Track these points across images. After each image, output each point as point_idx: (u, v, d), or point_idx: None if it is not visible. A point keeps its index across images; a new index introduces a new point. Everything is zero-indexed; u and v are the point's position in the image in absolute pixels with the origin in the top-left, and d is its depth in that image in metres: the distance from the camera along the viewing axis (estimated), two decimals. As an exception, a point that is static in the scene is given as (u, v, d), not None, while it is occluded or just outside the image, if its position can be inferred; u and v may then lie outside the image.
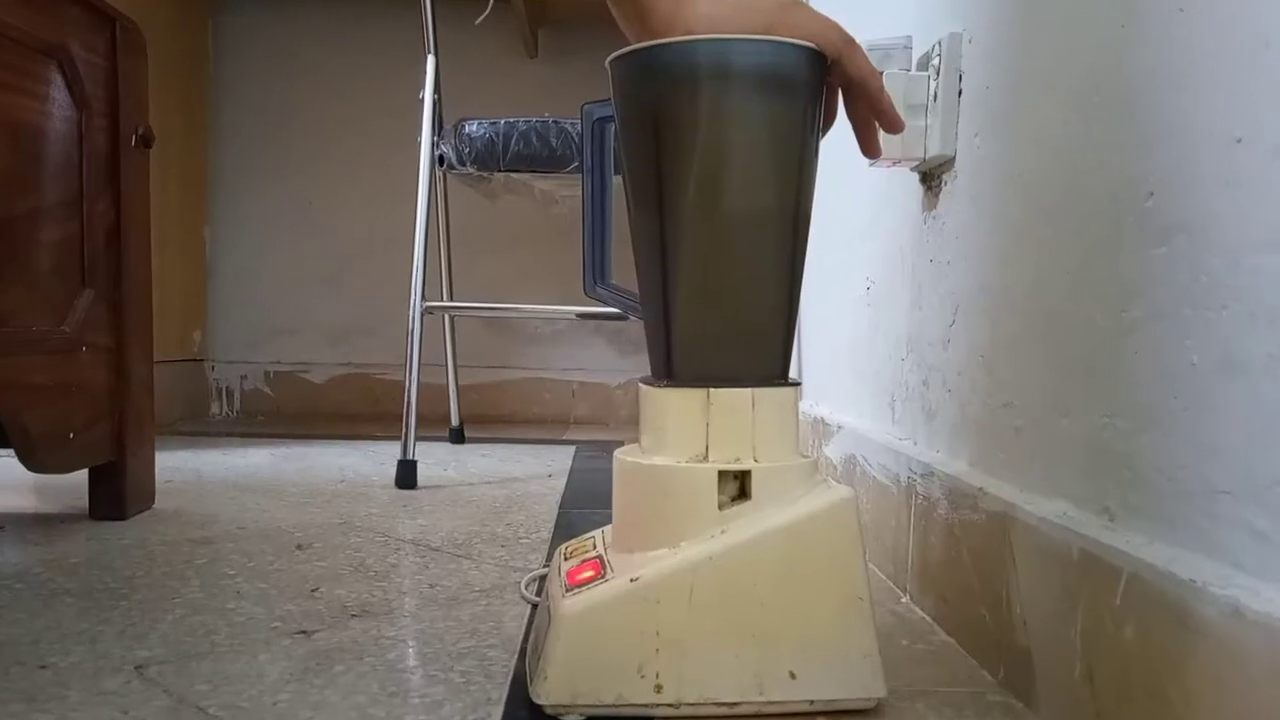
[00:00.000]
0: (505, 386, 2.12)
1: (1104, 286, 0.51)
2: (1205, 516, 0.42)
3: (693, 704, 0.52)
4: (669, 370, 0.56)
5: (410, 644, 0.63)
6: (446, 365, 1.73)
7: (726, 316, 0.55)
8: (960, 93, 0.72)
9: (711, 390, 0.54)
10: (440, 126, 1.44)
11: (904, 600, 0.76)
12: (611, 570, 0.53)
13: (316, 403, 2.11)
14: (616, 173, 0.60)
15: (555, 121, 1.43)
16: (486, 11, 1.45)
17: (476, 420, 2.00)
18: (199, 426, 1.88)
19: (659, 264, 0.55)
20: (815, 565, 0.53)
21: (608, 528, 0.61)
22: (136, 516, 1.00)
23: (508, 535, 0.96)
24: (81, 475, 0.98)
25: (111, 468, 0.98)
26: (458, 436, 1.72)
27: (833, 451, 1.03)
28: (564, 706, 0.51)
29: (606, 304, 0.63)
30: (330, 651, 0.61)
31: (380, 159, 2.05)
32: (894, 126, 0.57)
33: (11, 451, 0.87)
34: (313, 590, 0.75)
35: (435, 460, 1.47)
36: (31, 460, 0.87)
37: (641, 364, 2.12)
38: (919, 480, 0.75)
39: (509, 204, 1.96)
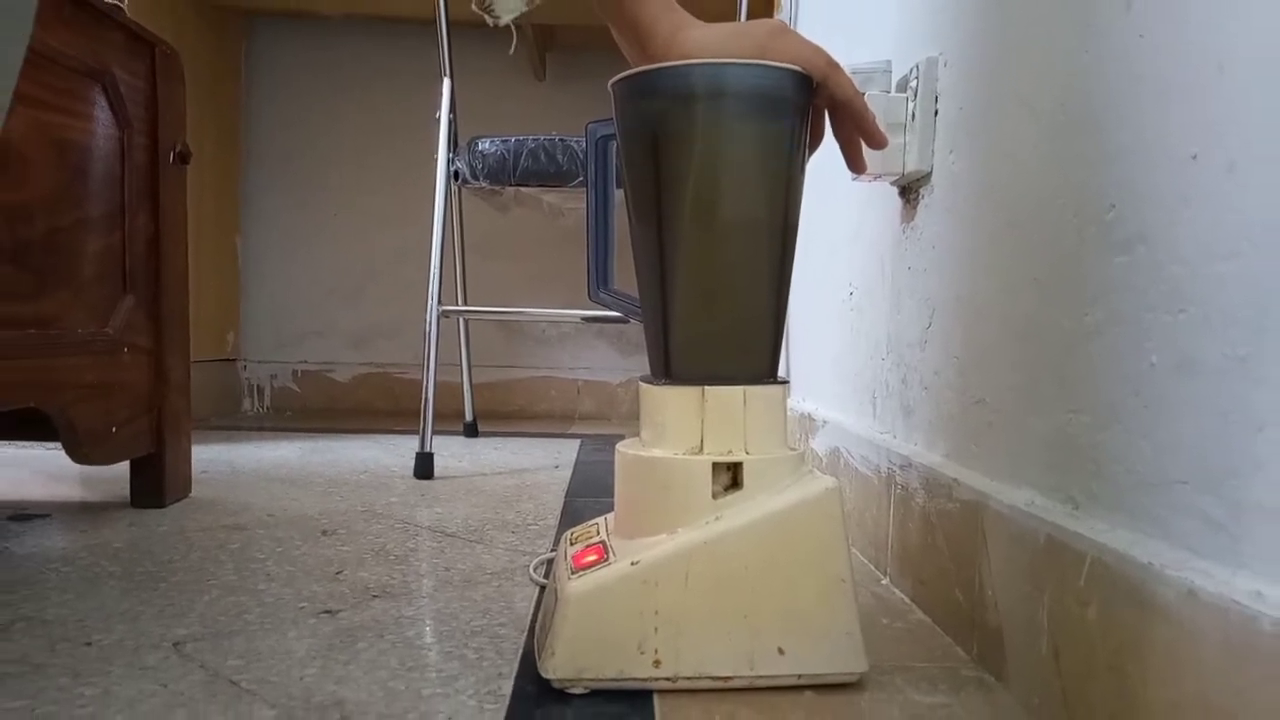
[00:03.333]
0: (515, 384, 2.12)
1: (1069, 292, 0.51)
2: (1163, 505, 0.42)
3: (688, 678, 0.52)
4: (667, 369, 0.56)
5: (427, 623, 0.63)
6: (461, 365, 1.73)
7: (720, 320, 0.55)
8: (936, 113, 0.72)
9: (706, 388, 0.54)
10: (455, 144, 1.43)
11: (884, 582, 0.76)
12: (614, 554, 0.53)
13: (341, 400, 2.11)
14: (618, 186, 0.60)
15: (561, 139, 1.43)
16: (515, 42, 1.45)
17: (488, 416, 1.99)
18: (232, 421, 1.88)
19: (658, 271, 0.55)
20: (802, 550, 0.53)
21: (610, 515, 0.61)
22: (174, 505, 1.00)
23: (518, 522, 0.96)
24: (123, 466, 0.98)
25: (151, 459, 0.98)
26: (471, 431, 1.72)
27: (818, 444, 1.03)
28: (570, 680, 0.51)
29: (609, 308, 0.63)
30: (353, 630, 0.61)
31: (400, 174, 2.05)
32: (878, 143, 0.57)
33: (59, 444, 0.87)
34: (337, 573, 0.75)
35: (450, 453, 1.47)
36: (77, 453, 0.87)
37: (641, 364, 2.11)
38: (898, 471, 0.75)
39: (519, 215, 1.96)
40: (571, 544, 0.59)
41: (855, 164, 0.59)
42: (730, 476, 0.53)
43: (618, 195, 0.62)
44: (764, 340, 0.56)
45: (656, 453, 0.54)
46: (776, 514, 0.53)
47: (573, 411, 2.13)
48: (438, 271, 1.34)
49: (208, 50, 1.88)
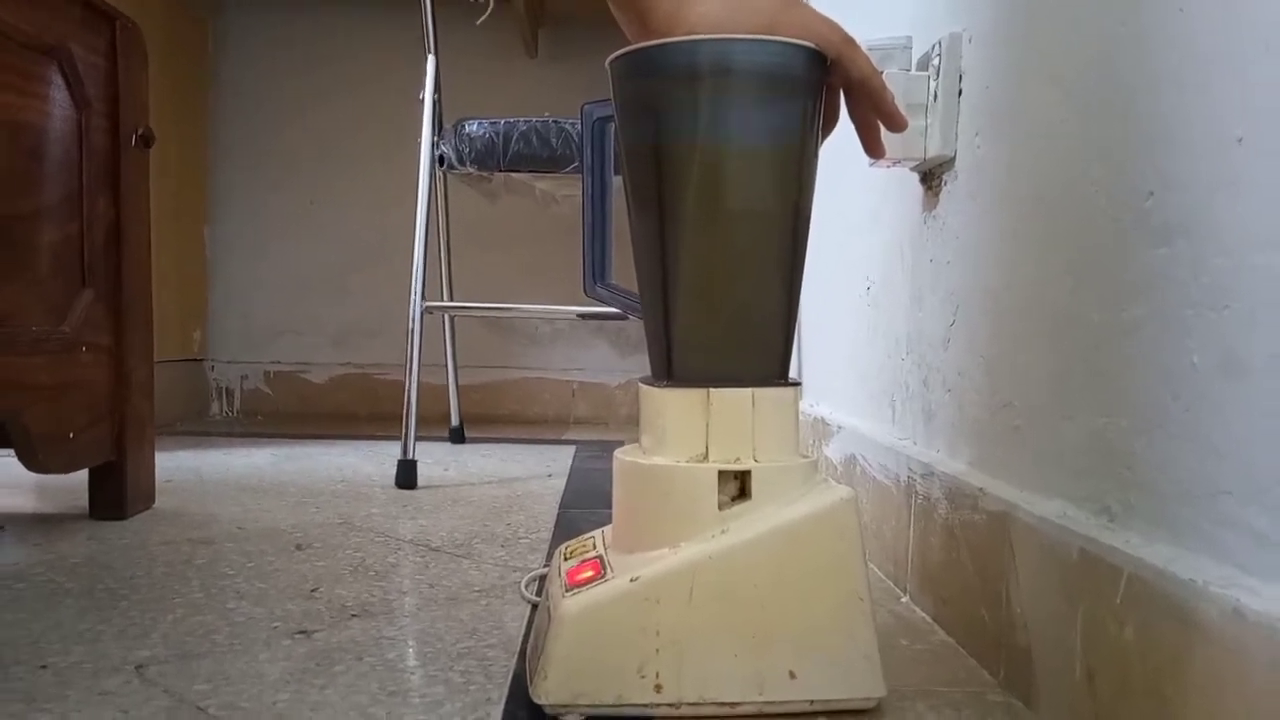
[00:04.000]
0: (505, 386, 2.12)
1: (1104, 286, 0.51)
2: (1206, 517, 0.42)
3: (692, 704, 0.51)
4: (669, 370, 0.56)
5: (410, 644, 0.63)
6: (446, 365, 1.73)
7: (726, 317, 0.55)
8: (960, 93, 0.72)
9: (711, 390, 0.54)
10: (440, 126, 1.44)
11: (904, 600, 0.76)
12: (611, 570, 0.53)
13: (316, 403, 2.11)
14: (616, 173, 0.60)
15: (555, 121, 1.43)
16: (486, 14, 1.46)
17: (477, 420, 1.99)
18: (199, 426, 1.88)
19: (659, 264, 0.55)
20: (815, 565, 0.53)
21: (607, 528, 0.61)
22: (137, 516, 1.00)
23: (508, 535, 0.96)
24: (82, 475, 0.98)
25: (111, 468, 0.98)
26: (458, 436, 1.72)
27: (833, 451, 1.03)
28: (564, 706, 0.51)
29: (606, 304, 0.63)
30: (330, 651, 0.61)
31: (381, 159, 2.05)
32: (897, 125, 0.57)
33: (12, 451, 0.87)
34: (312, 590, 0.75)
35: (435, 460, 1.47)
36: (32, 460, 0.87)
37: (641, 364, 2.11)
38: (919, 480, 0.75)
39: (509, 203, 1.97)
40: (566, 559, 0.59)
41: (873, 148, 0.59)
42: (737, 486, 0.53)
43: (616, 182, 0.62)
44: (773, 338, 0.56)
45: (658, 460, 0.54)
46: (787, 526, 0.52)
47: (567, 415, 2.13)
48: (421, 265, 1.34)
49: (172, 25, 1.89)
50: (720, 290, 0.54)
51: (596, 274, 0.63)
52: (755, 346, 0.55)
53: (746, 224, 0.54)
